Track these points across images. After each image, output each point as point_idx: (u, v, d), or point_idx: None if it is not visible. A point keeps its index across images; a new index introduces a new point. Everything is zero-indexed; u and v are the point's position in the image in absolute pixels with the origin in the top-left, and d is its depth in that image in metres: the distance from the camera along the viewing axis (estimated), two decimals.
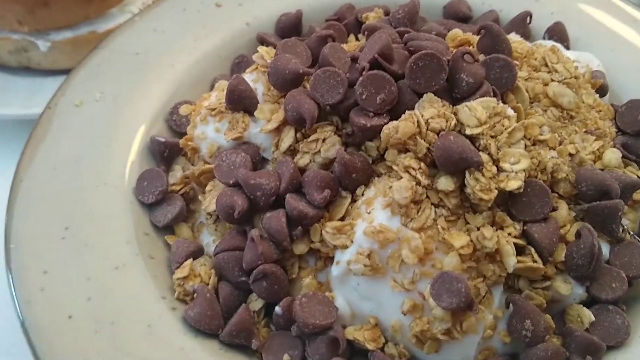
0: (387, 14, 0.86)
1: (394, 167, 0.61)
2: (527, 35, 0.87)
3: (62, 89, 0.78)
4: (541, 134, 0.66)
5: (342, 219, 0.63)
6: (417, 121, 0.61)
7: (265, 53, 0.73)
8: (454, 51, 0.69)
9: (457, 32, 0.75)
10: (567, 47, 0.85)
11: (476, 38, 0.74)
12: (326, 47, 0.69)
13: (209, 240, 0.69)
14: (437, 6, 0.93)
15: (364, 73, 0.64)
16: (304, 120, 0.65)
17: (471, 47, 0.73)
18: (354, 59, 0.68)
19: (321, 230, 0.63)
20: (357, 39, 0.84)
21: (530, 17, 0.87)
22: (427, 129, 0.61)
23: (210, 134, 0.72)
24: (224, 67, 0.86)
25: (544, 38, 0.87)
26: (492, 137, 0.62)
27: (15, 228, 0.65)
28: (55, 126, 0.74)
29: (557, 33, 0.86)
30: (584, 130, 0.71)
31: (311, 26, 0.89)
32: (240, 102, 0.70)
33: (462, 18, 0.90)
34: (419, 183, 0.60)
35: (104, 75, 0.80)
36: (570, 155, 0.68)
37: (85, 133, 0.74)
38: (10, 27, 0.94)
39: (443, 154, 0.59)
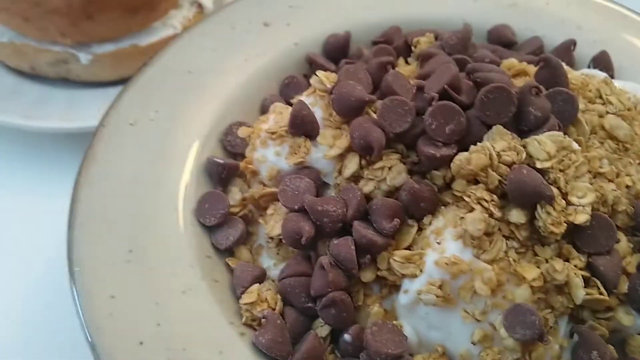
0: (436, 38, 0.86)
1: (465, 198, 0.62)
2: (571, 64, 0.88)
3: (115, 106, 0.77)
4: (601, 167, 0.67)
5: (408, 247, 0.64)
6: (489, 153, 0.62)
7: (324, 78, 0.74)
8: (514, 81, 0.71)
9: (513, 62, 0.76)
10: (612, 76, 0.86)
11: (531, 68, 0.75)
12: (389, 74, 0.70)
13: (270, 263, 0.70)
14: (479, 30, 0.93)
15: (433, 103, 0.65)
16: (370, 148, 0.66)
17: (527, 78, 0.74)
18: (420, 88, 0.68)
19: (389, 259, 0.63)
20: (406, 62, 0.85)
21: (575, 45, 0.88)
22: (499, 162, 0.62)
23: (270, 157, 0.72)
24: (272, 87, 0.86)
25: (588, 67, 0.88)
26: (560, 171, 0.63)
27: (77, 251, 0.65)
28: (111, 146, 0.73)
29: (602, 62, 0.87)
30: (637, 162, 0.72)
31: (359, 48, 0.89)
32: (303, 127, 0.70)
33: (507, 43, 0.91)
34: (491, 215, 0.60)
35: (156, 93, 0.79)
36: (627, 187, 0.69)
37: (142, 153, 0.73)
38: (52, 39, 0.94)
39: (516, 187, 0.60)
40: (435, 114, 0.64)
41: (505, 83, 0.65)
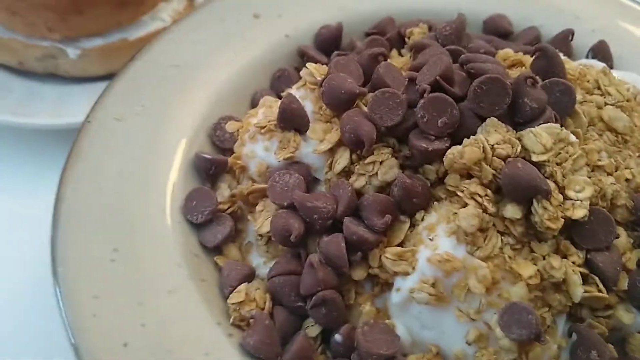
0: (430, 28, 0.84)
1: (459, 193, 0.60)
2: (569, 54, 0.86)
3: (101, 101, 0.75)
4: (599, 160, 0.65)
5: (400, 244, 0.62)
6: (483, 147, 0.60)
7: (314, 70, 0.72)
8: (510, 72, 0.69)
9: (508, 52, 0.74)
10: (611, 67, 0.84)
11: (528, 58, 0.73)
12: (380, 66, 0.68)
13: (259, 261, 0.68)
14: (475, 20, 0.91)
15: (425, 95, 0.63)
16: (361, 142, 0.64)
17: (523, 68, 0.72)
18: (411, 80, 0.66)
19: (380, 256, 0.61)
20: (399, 54, 0.83)
21: (573, 35, 0.86)
22: (493, 155, 0.60)
23: (259, 152, 0.70)
24: (263, 80, 0.84)
25: (587, 57, 0.86)
26: (557, 164, 0.61)
27: (61, 250, 0.63)
28: (96, 142, 0.71)
29: (601, 52, 0.85)
30: (637, 154, 0.70)
31: (351, 39, 0.87)
32: (292, 121, 0.69)
33: (503, 33, 0.89)
34: (485, 210, 0.59)
35: (143, 88, 0.77)
36: (627, 180, 0.66)
37: (128, 149, 0.72)
38: (40, 34, 0.92)
39: (511, 181, 0.58)
40: (427, 106, 0.62)
41: (500, 74, 0.62)
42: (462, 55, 0.68)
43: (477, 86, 0.61)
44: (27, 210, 0.88)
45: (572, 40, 0.86)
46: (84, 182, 0.68)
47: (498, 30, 0.89)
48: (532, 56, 0.71)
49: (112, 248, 0.64)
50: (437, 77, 0.64)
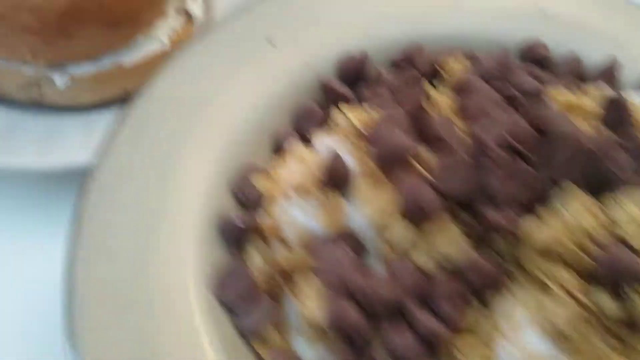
0: (467, 58, 0.76)
1: (543, 278, 0.53)
2: (614, 87, 0.78)
3: (104, 150, 0.65)
4: None
5: (470, 331, 0.55)
6: (567, 222, 0.53)
7: (355, 119, 0.63)
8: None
9: (568, 97, 0.66)
10: None
11: (587, 102, 0.66)
12: (437, 122, 0.60)
13: (304, 345, 0.59)
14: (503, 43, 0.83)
15: (493, 158, 0.55)
16: (421, 212, 0.56)
17: (584, 112, 0.65)
18: (475, 139, 0.59)
19: (451, 348, 0.54)
20: (432, 86, 0.75)
21: (618, 66, 0.79)
22: (581, 233, 0.53)
23: (298, 217, 0.61)
24: (282, 116, 0.75)
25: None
26: None
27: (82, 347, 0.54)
28: (102, 203, 0.62)
29: None
30: None
31: (376, 69, 0.78)
32: (336, 180, 0.60)
33: (542, 61, 0.81)
34: (579, 302, 0.51)
35: (151, 131, 0.68)
36: None
37: (140, 211, 0.62)
38: (22, 60, 0.80)
39: (611, 270, 0.51)
40: (496, 171, 0.55)
41: (582, 139, 0.55)
42: (530, 110, 0.60)
43: (560, 154, 0.54)
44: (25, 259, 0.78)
45: (618, 72, 0.79)
46: (96, 254, 0.59)
47: (537, 58, 0.81)
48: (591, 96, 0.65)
49: (136, 345, 0.55)
50: (507, 136, 0.56)
